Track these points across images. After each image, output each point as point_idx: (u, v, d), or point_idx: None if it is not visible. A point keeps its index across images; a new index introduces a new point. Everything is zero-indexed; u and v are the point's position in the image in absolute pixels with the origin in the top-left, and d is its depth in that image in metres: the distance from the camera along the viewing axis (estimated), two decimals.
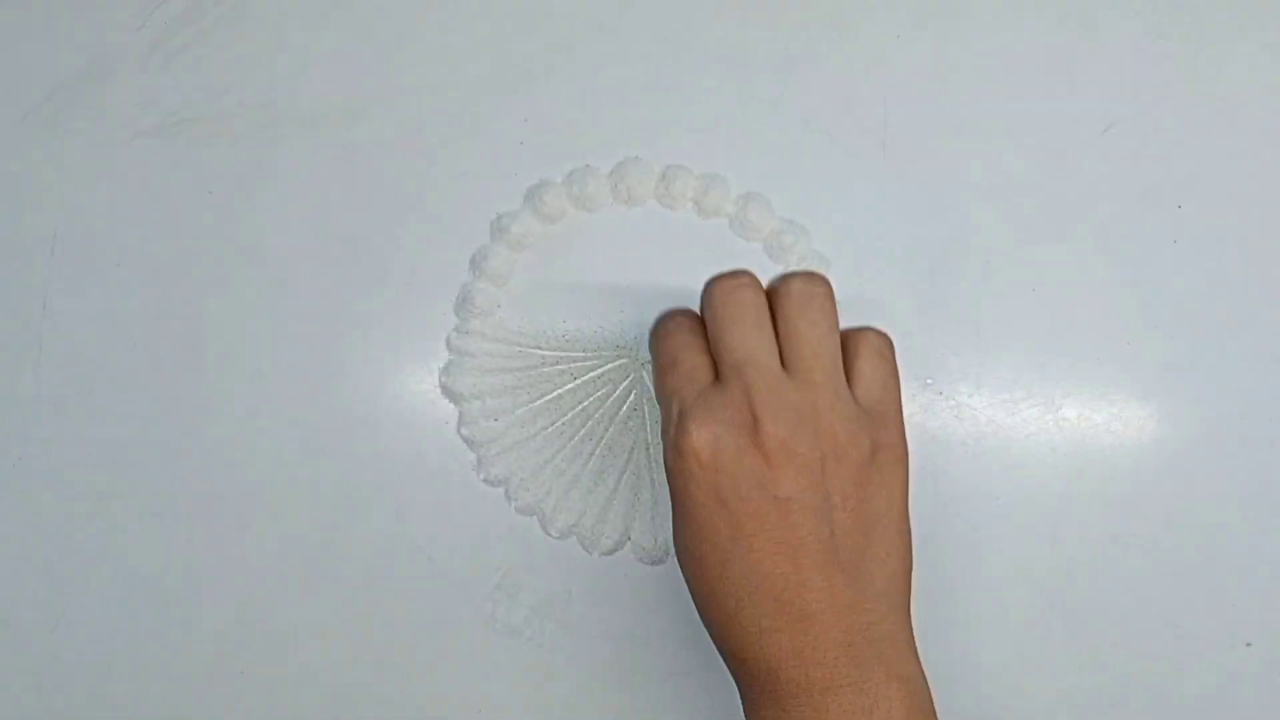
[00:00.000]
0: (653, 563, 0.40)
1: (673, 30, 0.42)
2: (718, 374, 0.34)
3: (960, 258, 0.41)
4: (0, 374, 0.42)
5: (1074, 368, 0.41)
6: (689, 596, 0.40)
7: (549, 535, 0.41)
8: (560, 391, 0.41)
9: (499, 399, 0.41)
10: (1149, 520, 0.40)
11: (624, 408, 0.41)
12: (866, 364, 0.35)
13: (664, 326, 0.37)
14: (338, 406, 0.41)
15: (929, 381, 0.41)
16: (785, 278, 0.35)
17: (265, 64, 0.42)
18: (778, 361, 0.34)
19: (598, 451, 0.41)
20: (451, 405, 0.41)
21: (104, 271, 0.42)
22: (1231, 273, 0.41)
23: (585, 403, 0.41)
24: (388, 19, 0.43)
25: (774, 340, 0.34)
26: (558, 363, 0.41)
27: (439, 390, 0.41)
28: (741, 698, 0.35)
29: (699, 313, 0.37)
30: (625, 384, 0.41)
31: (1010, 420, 0.41)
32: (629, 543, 0.41)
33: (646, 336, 0.41)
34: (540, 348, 0.41)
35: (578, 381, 0.41)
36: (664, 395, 0.35)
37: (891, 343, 0.36)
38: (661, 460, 0.40)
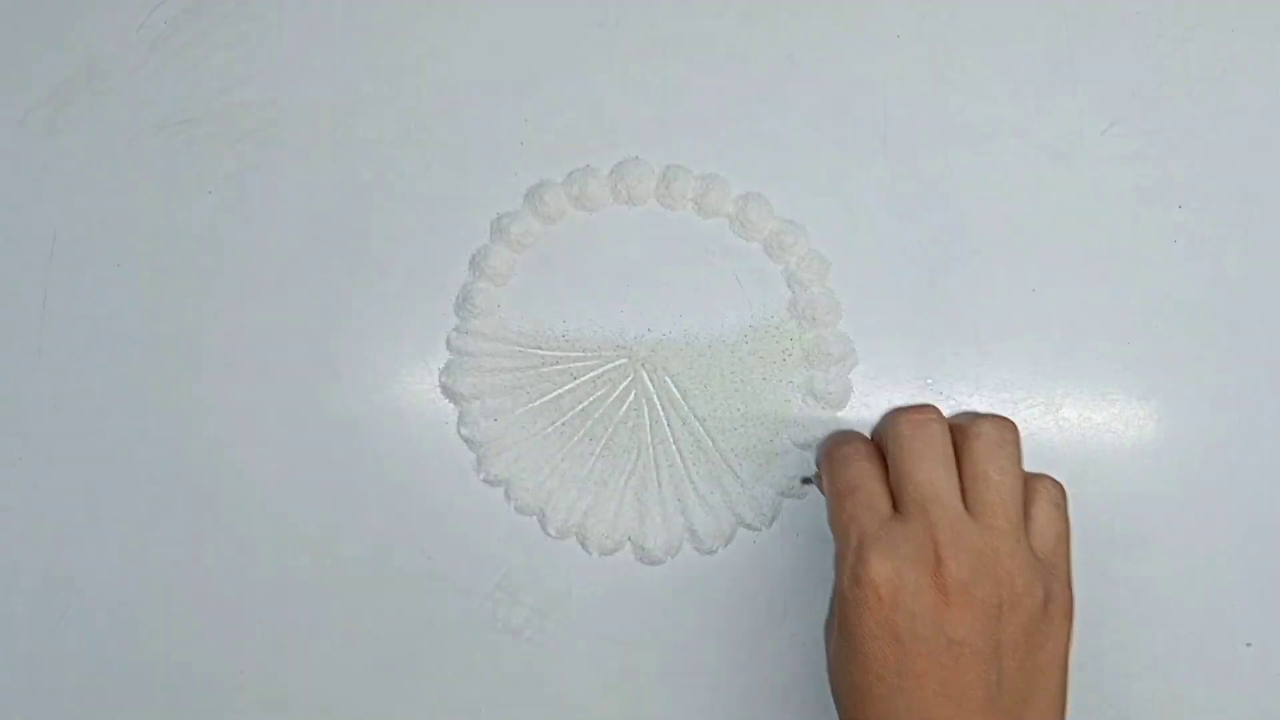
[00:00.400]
0: (652, 563, 0.40)
1: (673, 30, 0.42)
2: (897, 506, 0.34)
3: (960, 258, 0.41)
4: (0, 374, 0.42)
5: (1074, 368, 0.41)
6: (688, 597, 0.40)
7: (549, 535, 0.41)
8: (560, 391, 0.41)
9: (499, 399, 0.41)
10: (1149, 520, 0.40)
11: (624, 408, 0.41)
12: (1042, 513, 0.35)
13: (841, 450, 0.36)
14: (338, 406, 0.41)
15: (929, 381, 0.41)
16: (976, 419, 0.35)
17: (265, 64, 0.42)
18: (960, 501, 0.34)
19: (598, 451, 0.41)
20: (451, 405, 0.41)
21: (104, 271, 0.42)
22: (1231, 273, 0.41)
23: (585, 403, 0.41)
24: (388, 19, 0.43)
25: (958, 479, 0.34)
26: (558, 363, 0.41)
27: (439, 390, 0.41)
28: None
29: (873, 439, 0.37)
30: (625, 384, 0.41)
31: None
32: (629, 543, 0.41)
33: (646, 336, 0.41)
34: (540, 348, 0.41)
35: (578, 381, 0.41)
36: (841, 521, 0.35)
37: (1066, 494, 0.36)
38: (662, 460, 0.41)
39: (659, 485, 0.41)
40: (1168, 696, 0.40)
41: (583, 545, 0.41)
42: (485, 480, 0.41)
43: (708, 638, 0.40)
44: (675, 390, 0.41)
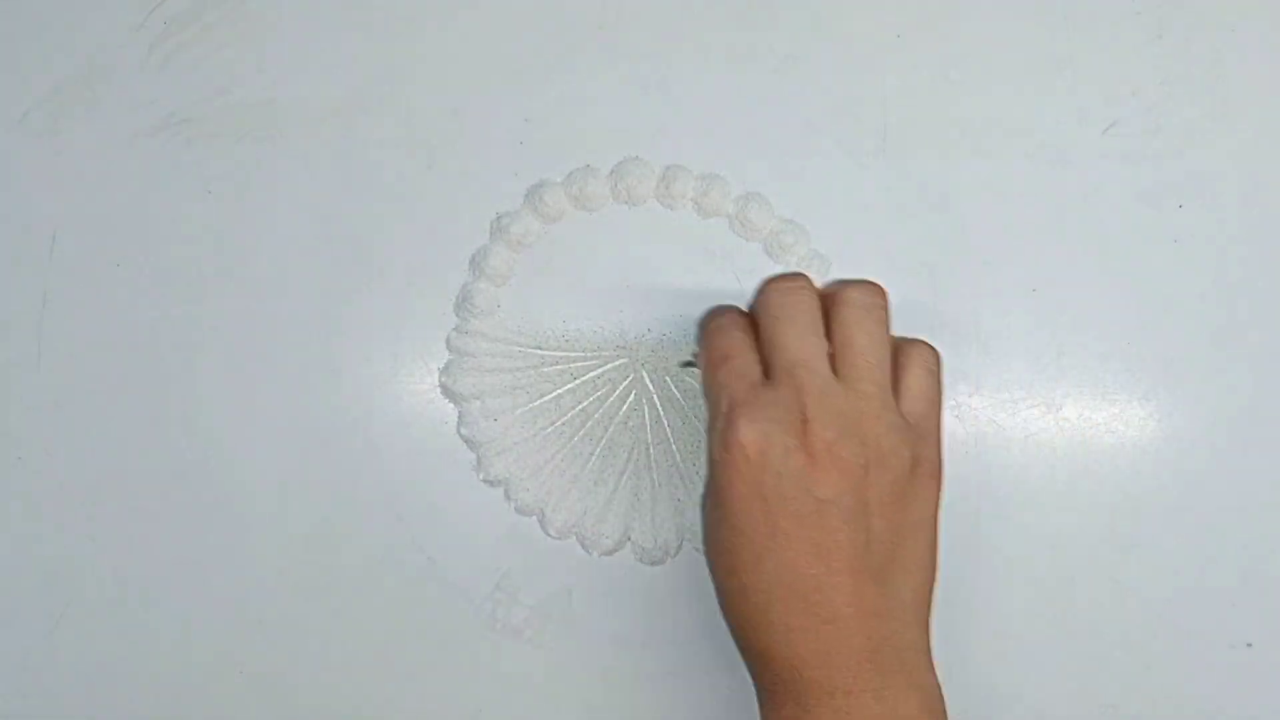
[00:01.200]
0: (652, 563, 0.40)
1: (673, 30, 0.42)
2: (767, 373, 0.35)
3: (960, 258, 0.41)
4: (0, 374, 0.42)
5: (1074, 368, 0.41)
6: (688, 597, 0.40)
7: (549, 535, 0.41)
8: (560, 391, 0.41)
9: (499, 399, 0.41)
10: (1149, 520, 0.40)
11: (624, 408, 0.41)
12: (914, 379, 0.35)
13: (714, 321, 0.37)
14: (338, 406, 0.41)
15: None
16: (844, 284, 0.36)
17: (265, 64, 0.42)
18: (828, 367, 0.34)
19: (598, 451, 0.41)
20: (451, 405, 0.41)
21: (104, 271, 0.42)
22: (1231, 273, 0.41)
23: (585, 403, 0.41)
24: (387, 19, 0.43)
25: (826, 345, 0.35)
26: (558, 363, 0.41)
27: (439, 390, 0.41)
28: (759, 695, 0.35)
29: (748, 311, 0.37)
30: (625, 384, 0.41)
31: (1010, 420, 0.41)
32: (629, 543, 0.41)
33: (646, 336, 0.41)
34: (540, 348, 0.41)
35: (578, 381, 0.41)
36: (713, 389, 0.35)
37: (940, 359, 0.36)
38: (660, 460, 0.41)
39: (659, 485, 0.41)
40: (1168, 696, 0.40)
41: (583, 545, 0.41)
42: (485, 480, 0.41)
43: (708, 638, 0.40)
44: (675, 390, 0.41)
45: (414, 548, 0.41)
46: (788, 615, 0.33)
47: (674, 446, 0.41)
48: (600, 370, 0.41)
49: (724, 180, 0.41)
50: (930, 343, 0.36)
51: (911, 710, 0.33)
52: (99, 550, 0.41)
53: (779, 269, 0.41)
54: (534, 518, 0.41)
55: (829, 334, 0.35)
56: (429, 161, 0.42)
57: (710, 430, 0.35)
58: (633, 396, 0.41)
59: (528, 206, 0.41)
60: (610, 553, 0.41)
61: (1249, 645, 0.40)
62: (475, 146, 0.42)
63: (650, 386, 0.41)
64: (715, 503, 0.34)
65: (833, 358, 0.34)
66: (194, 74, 0.42)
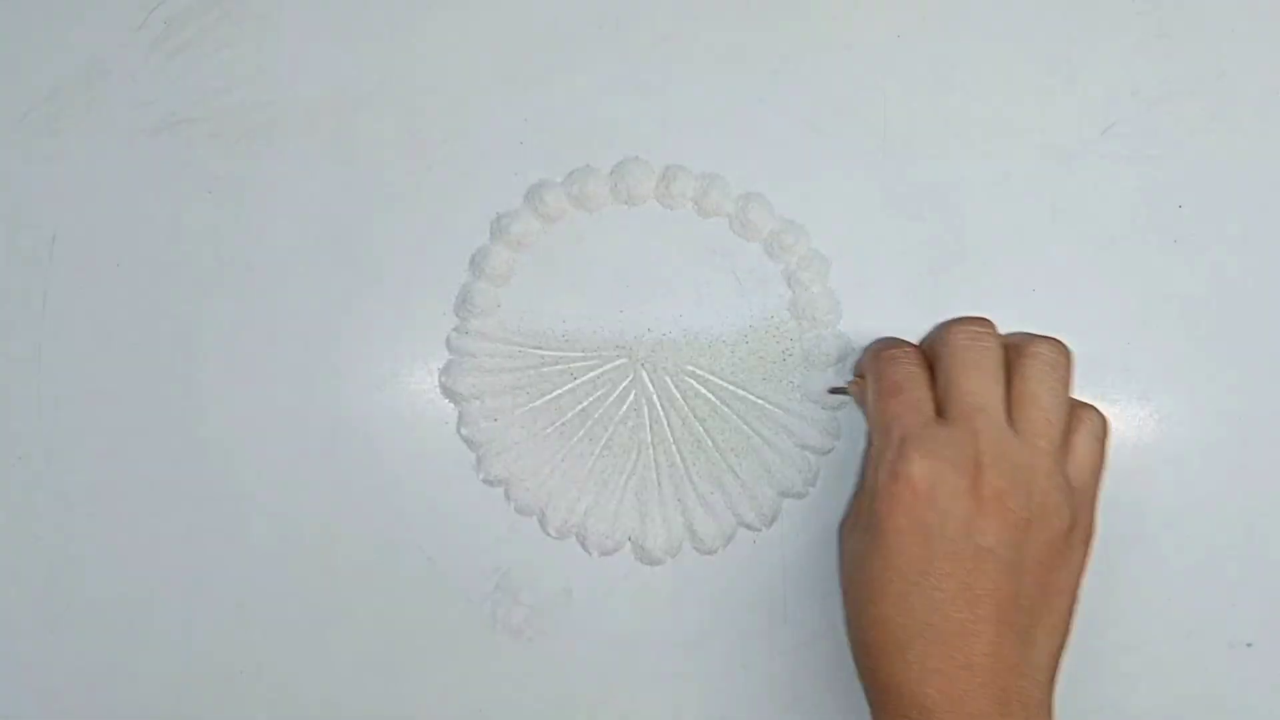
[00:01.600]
0: (652, 563, 0.40)
1: (672, 30, 0.42)
2: (940, 411, 0.35)
3: (960, 258, 0.41)
4: (0, 374, 0.42)
5: (1074, 368, 0.41)
6: (688, 597, 0.40)
7: (549, 535, 0.41)
8: (560, 391, 0.41)
9: (499, 399, 0.41)
10: (1149, 520, 0.40)
11: (624, 408, 0.41)
12: (1083, 443, 0.35)
13: (887, 351, 0.37)
14: (337, 406, 0.41)
15: None
16: (1032, 338, 0.36)
17: (265, 64, 0.42)
18: (1006, 415, 0.34)
19: (598, 451, 0.41)
20: (451, 405, 0.41)
21: (104, 271, 0.42)
22: (1231, 273, 0.41)
23: (585, 403, 0.41)
24: (387, 19, 0.43)
25: (1005, 394, 0.35)
26: (558, 363, 0.41)
27: (439, 390, 0.41)
28: None
29: (919, 347, 0.37)
30: (625, 384, 0.41)
31: None
32: (629, 543, 0.41)
33: (646, 336, 0.41)
34: (540, 348, 0.41)
35: (578, 381, 0.41)
36: (883, 419, 0.35)
37: (1109, 428, 0.36)
38: (662, 460, 0.41)
39: (659, 485, 0.41)
40: (1168, 696, 0.40)
41: (583, 545, 0.41)
42: (485, 480, 0.41)
43: (708, 638, 0.40)
44: (675, 390, 0.41)
45: (414, 548, 0.41)
46: (926, 655, 0.33)
47: (674, 446, 0.41)
48: (600, 370, 0.41)
49: (724, 180, 0.41)
50: (1101, 410, 0.36)
51: None
52: (99, 550, 0.41)
53: (779, 269, 0.41)
54: (534, 518, 0.41)
55: (1009, 384, 0.35)
56: (429, 161, 0.42)
57: (877, 459, 0.35)
58: (633, 396, 0.41)
59: (528, 206, 0.41)
60: (610, 553, 0.41)
61: (1249, 645, 0.40)
62: (475, 146, 0.42)
63: (650, 386, 0.41)
64: (870, 532, 0.34)
65: (1009, 409, 0.34)
66: (194, 74, 0.42)
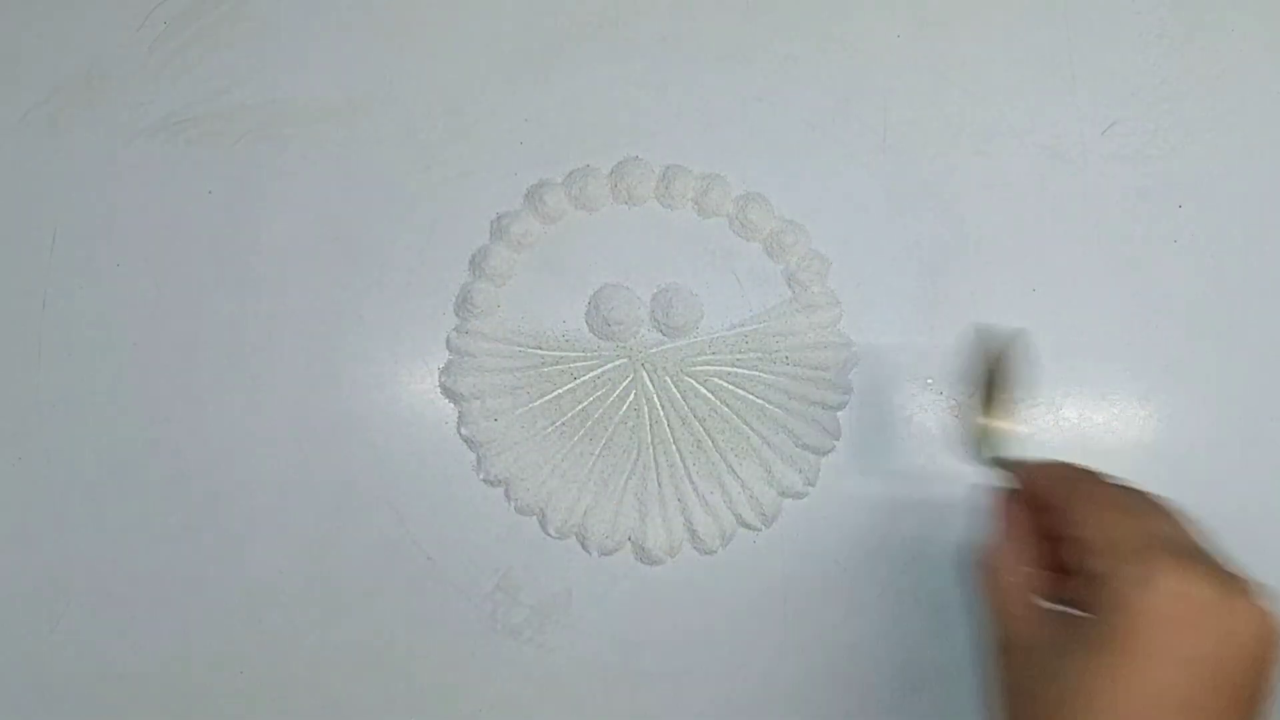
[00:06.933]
0: (652, 563, 0.40)
1: (673, 30, 0.42)
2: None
3: (960, 258, 0.41)
4: (0, 374, 0.42)
5: (1074, 368, 0.41)
6: (687, 597, 0.40)
7: (549, 535, 0.41)
8: (560, 391, 0.41)
9: (499, 399, 0.41)
10: None
11: (624, 408, 0.41)
12: None
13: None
14: (338, 406, 0.41)
15: (929, 381, 0.41)
16: None
17: (265, 64, 0.42)
18: None
19: (598, 451, 0.41)
20: (451, 405, 0.41)
21: (104, 271, 0.42)
22: (1231, 273, 0.41)
23: (585, 403, 0.41)
24: (387, 19, 0.43)
25: None
26: (558, 363, 0.41)
27: (439, 390, 0.41)
28: None
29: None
30: (625, 384, 0.41)
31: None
32: (629, 543, 0.41)
33: (646, 336, 0.41)
34: (540, 348, 0.41)
35: (578, 381, 0.41)
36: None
37: None
38: (662, 460, 0.40)
39: (659, 485, 0.41)
40: None
41: (583, 545, 0.41)
42: (485, 480, 0.41)
43: (708, 638, 0.40)
44: (675, 390, 0.41)
45: (414, 547, 0.41)
46: None
47: (674, 446, 0.41)
48: (600, 370, 0.41)
49: (724, 180, 0.41)
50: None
51: None
52: (99, 550, 0.41)
53: (779, 269, 0.41)
54: (534, 518, 0.41)
55: None
56: (429, 161, 0.42)
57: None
58: (633, 396, 0.41)
59: (528, 206, 0.41)
60: (610, 553, 0.41)
61: None
62: (475, 146, 0.42)
63: (650, 386, 0.41)
64: (1128, 655, 0.30)
65: None
66: (194, 74, 0.42)
